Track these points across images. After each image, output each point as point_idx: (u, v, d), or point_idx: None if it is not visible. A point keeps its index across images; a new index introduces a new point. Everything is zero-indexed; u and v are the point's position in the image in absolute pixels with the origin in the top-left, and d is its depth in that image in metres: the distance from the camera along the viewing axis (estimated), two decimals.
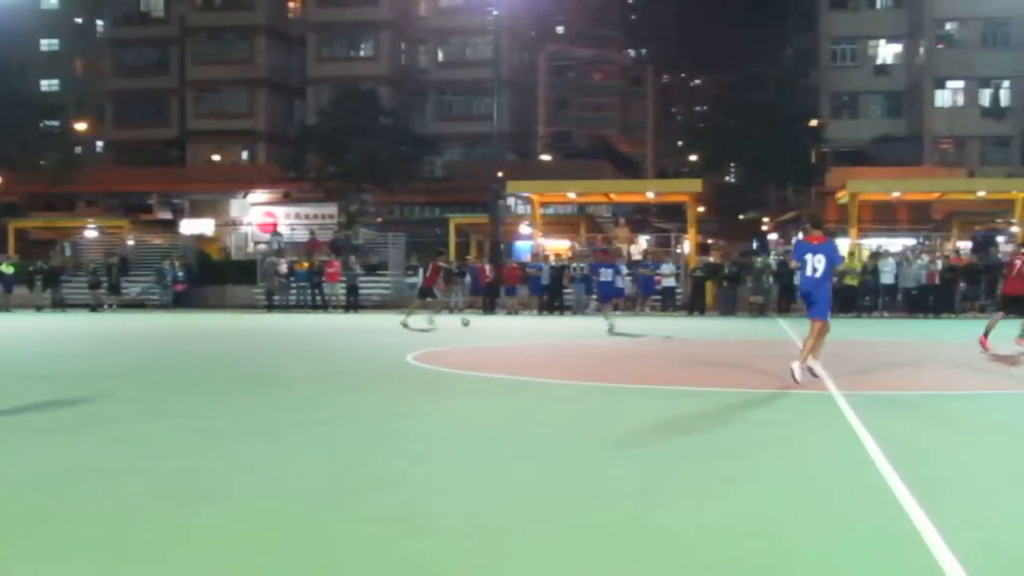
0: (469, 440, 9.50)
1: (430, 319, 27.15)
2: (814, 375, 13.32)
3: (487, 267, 37.59)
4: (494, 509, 6.58)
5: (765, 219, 73.96)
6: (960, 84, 63.32)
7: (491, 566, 5.36)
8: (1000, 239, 40.68)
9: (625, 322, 30.56)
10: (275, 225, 51.47)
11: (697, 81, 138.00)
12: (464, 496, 6.94)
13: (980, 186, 43.63)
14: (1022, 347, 17.22)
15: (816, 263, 13.25)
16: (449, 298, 34.99)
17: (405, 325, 26.57)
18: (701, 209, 50.20)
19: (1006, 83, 62.64)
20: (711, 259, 40.36)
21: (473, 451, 8.88)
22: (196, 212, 62.01)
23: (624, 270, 36.53)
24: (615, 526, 6.13)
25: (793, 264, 14.80)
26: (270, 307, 38.30)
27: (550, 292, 36.37)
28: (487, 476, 7.72)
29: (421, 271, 29.77)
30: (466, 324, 27.46)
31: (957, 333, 25.17)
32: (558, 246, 43.98)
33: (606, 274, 27.80)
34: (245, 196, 60.02)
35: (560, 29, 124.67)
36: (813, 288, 13.47)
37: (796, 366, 13.01)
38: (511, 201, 52.12)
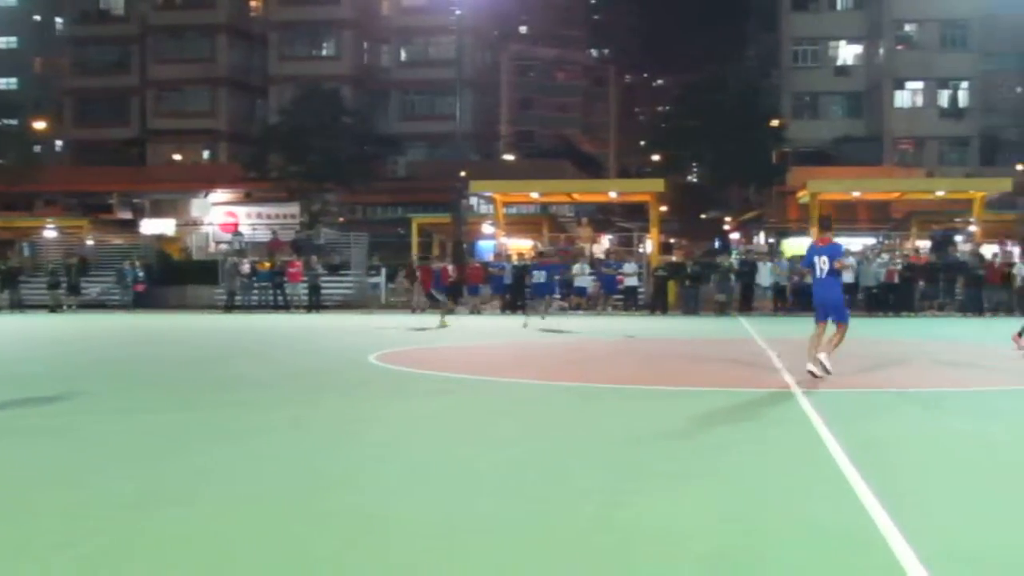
0: (433, 440, 9.46)
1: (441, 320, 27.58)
2: (815, 375, 13.36)
3: (449, 267, 37.54)
4: (460, 509, 6.55)
5: (727, 219, 74.21)
6: (919, 85, 63.81)
7: (457, 566, 5.33)
8: (958, 238, 41.03)
9: (587, 321, 30.64)
10: (236, 225, 51.15)
11: (660, 81, 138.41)
12: (430, 497, 6.90)
13: (939, 186, 43.96)
14: (1019, 344, 17.28)
15: (823, 265, 13.56)
16: (415, 298, 35.17)
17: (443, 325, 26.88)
18: (663, 209, 50.31)
19: (964, 84, 63.17)
20: (673, 258, 40.48)
21: (438, 451, 8.84)
22: (157, 212, 61.49)
23: (587, 269, 36.70)
24: (581, 526, 6.12)
25: (804, 271, 14.98)
26: (231, 307, 38.06)
27: (513, 291, 36.34)
28: (453, 476, 7.68)
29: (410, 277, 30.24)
30: (441, 326, 27.32)
31: (916, 331, 25.37)
32: (521, 245, 43.97)
33: (539, 275, 28.47)
34: (206, 196, 59.60)
35: (523, 29, 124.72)
36: (824, 290, 13.76)
37: (822, 359, 13.40)
38: (474, 201, 52.09)
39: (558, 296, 36.26)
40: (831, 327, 13.65)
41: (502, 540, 5.83)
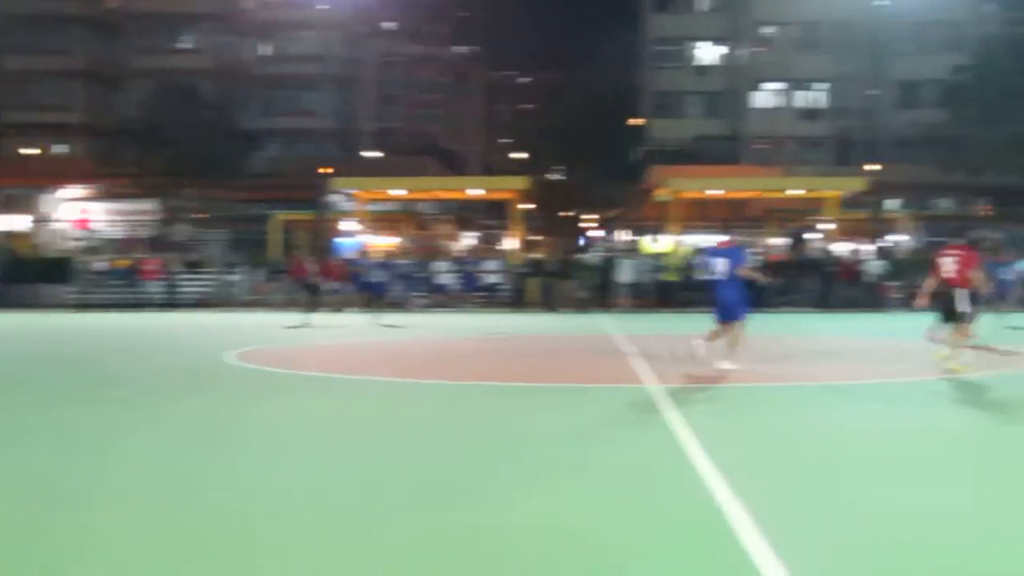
0: (301, 440, 9.36)
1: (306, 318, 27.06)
2: (721, 368, 14.00)
3: (309, 264, 37.11)
4: (326, 508, 6.50)
5: (590, 216, 74.85)
6: (777, 86, 65.11)
7: (327, 566, 5.28)
8: (812, 236, 42.02)
9: (450, 319, 30.61)
10: (90, 221, 49.91)
11: (525, 79, 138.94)
12: (297, 496, 6.84)
13: (797, 185, 44.88)
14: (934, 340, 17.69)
15: (721, 266, 14.30)
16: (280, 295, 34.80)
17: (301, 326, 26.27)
18: (527, 206, 50.50)
19: (821, 86, 64.58)
20: (536, 256, 40.68)
21: (306, 451, 8.76)
22: (7, 207, 59.63)
23: (449, 267, 36.67)
24: (447, 522, 6.12)
25: (703, 271, 15.58)
26: (84, 306, 37.09)
27: (378, 289, 36.04)
28: (320, 475, 7.63)
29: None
30: (304, 325, 26.93)
31: (772, 327, 25.86)
32: (384, 243, 43.73)
33: (377, 275, 28.64)
34: (59, 191, 58.01)
35: (389, 25, 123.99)
36: (723, 291, 14.45)
37: (703, 347, 14.37)
38: (337, 198, 51.64)
39: (418, 294, 36.18)
40: (733, 326, 14.42)
41: (370, 539, 5.81)
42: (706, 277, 14.85)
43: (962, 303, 14.01)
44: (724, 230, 39.22)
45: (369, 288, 30.22)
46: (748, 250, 15.60)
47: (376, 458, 8.32)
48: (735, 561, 5.30)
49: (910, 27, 59.75)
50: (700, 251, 38.24)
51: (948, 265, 14.08)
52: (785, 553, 5.34)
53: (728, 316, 14.49)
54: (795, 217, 45.50)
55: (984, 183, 53.56)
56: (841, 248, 40.27)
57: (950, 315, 14.20)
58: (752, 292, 14.97)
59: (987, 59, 49.68)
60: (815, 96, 64.66)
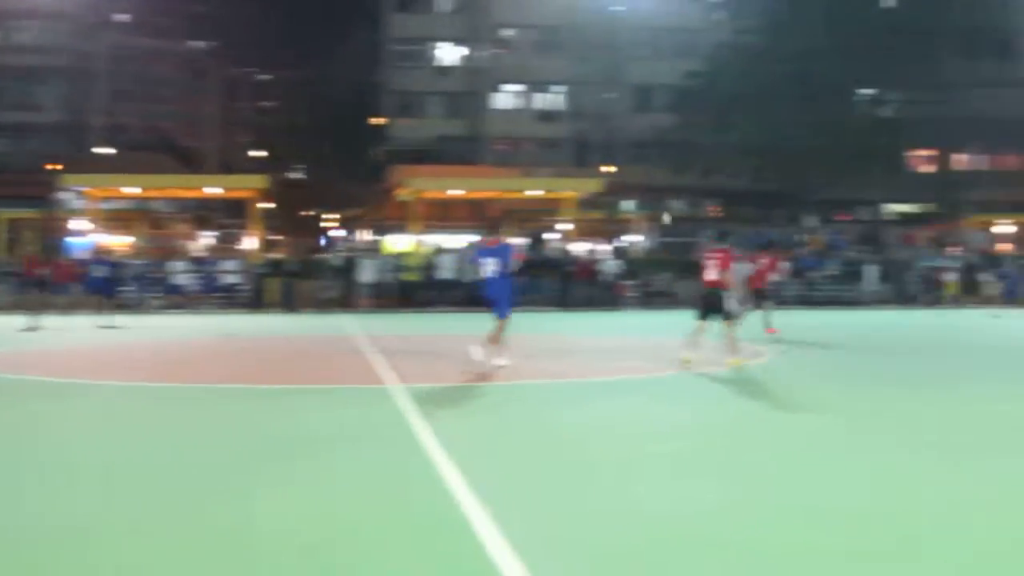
0: (38, 447, 8.94)
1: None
2: (497, 366, 14.32)
3: (39, 265, 35.51)
4: (58, 523, 6.16)
5: (332, 216, 74.28)
6: (516, 88, 66.11)
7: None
8: (551, 236, 42.84)
9: (187, 320, 29.83)
10: None
11: (266, 77, 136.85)
12: (43, 502, 6.43)
13: (533, 186, 45.63)
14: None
15: (492, 265, 14.53)
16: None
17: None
18: (266, 205, 49.72)
19: (559, 88, 65.90)
20: (276, 255, 40.10)
21: (45, 458, 8.37)
22: None
23: (186, 267, 35.74)
24: (185, 528, 5.94)
25: (474, 268, 15.67)
26: None
27: (107, 290, 34.76)
28: (58, 482, 7.31)
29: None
30: (31, 328, 25.54)
31: (516, 326, 26.16)
32: (118, 242, 42.21)
33: (108, 274, 27.92)
34: None
35: (122, 17, 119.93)
36: (492, 288, 14.65)
37: (479, 351, 14.49)
38: (66, 195, 49.57)
39: (154, 295, 35.14)
40: (501, 322, 14.60)
41: (109, 548, 5.58)
42: (477, 276, 15.16)
43: (729, 302, 14.92)
44: (467, 230, 39.63)
45: (101, 289, 29.09)
46: (514, 249, 15.82)
47: (107, 465, 7.99)
48: (474, 561, 5.28)
49: (645, 33, 61.63)
50: (442, 251, 38.57)
51: (712, 268, 14.79)
52: (524, 550, 5.35)
53: (493, 311, 14.69)
54: (534, 217, 46.26)
55: (714, 185, 55.78)
56: (579, 248, 41.20)
57: (715, 314, 14.95)
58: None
59: (716, 65, 51.78)
60: (553, 98, 65.97)
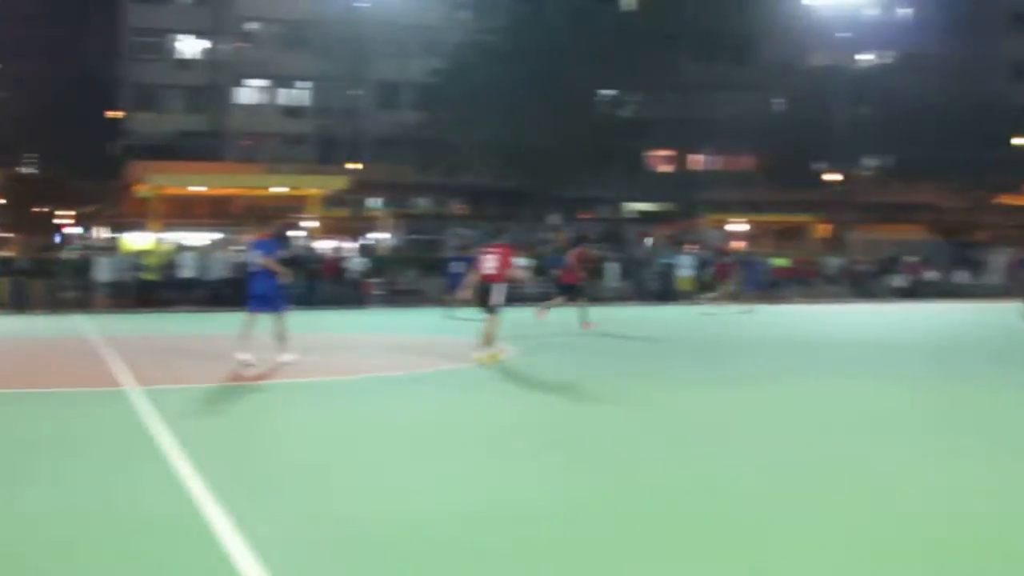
0: None
1: None
2: (283, 363, 14.24)
3: None
4: None
5: (66, 212, 71.51)
6: (260, 83, 65.13)
7: None
8: (296, 233, 42.46)
9: None
10: None
11: None
12: None
13: (277, 182, 45.13)
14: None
15: (256, 259, 14.54)
16: None
17: None
18: None
19: (304, 84, 65.27)
20: (5, 253, 38.38)
21: None
22: None
23: None
24: None
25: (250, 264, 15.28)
26: None
27: None
28: None
29: None
30: None
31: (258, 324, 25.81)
32: None
33: None
34: None
35: None
36: (256, 283, 14.62)
37: (246, 353, 14.16)
38: None
39: None
40: (265, 318, 14.49)
41: None
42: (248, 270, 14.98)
43: (495, 296, 15.33)
44: (209, 227, 38.95)
45: None
46: (279, 243, 15.77)
47: None
48: (214, 563, 5.24)
49: (390, 30, 61.59)
50: (183, 249, 37.66)
51: (488, 262, 15.04)
52: (262, 551, 5.33)
53: (267, 308, 14.54)
54: (278, 214, 45.72)
55: (458, 183, 56.30)
56: (324, 246, 40.95)
57: (486, 306, 15.48)
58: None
59: (459, 64, 52.23)
60: (298, 94, 65.34)
